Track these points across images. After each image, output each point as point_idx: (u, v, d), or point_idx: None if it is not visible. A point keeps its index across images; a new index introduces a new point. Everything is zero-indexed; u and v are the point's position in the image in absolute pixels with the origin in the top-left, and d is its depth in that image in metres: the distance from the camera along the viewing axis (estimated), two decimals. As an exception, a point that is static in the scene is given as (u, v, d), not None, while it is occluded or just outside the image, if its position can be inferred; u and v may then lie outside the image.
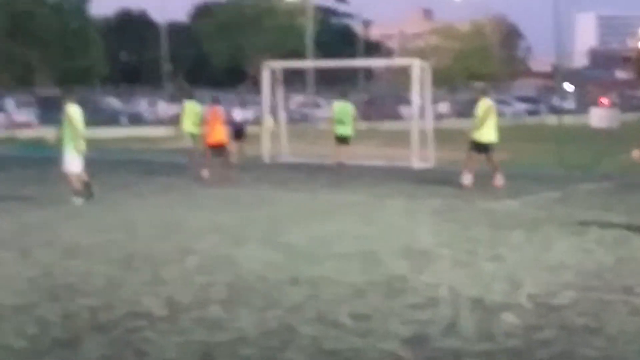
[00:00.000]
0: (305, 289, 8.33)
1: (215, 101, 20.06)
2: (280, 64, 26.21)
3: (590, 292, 8.16)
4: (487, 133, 17.24)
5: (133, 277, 8.89)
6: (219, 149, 18.62)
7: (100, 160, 24.06)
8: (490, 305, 7.67)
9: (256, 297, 7.99)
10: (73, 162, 15.07)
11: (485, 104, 17.41)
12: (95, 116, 49.17)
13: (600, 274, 8.96)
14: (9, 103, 48.43)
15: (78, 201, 14.70)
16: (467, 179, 17.01)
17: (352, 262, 9.57)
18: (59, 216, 13.23)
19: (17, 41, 58.06)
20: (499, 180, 16.99)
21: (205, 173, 18.23)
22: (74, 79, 59.41)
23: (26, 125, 41.38)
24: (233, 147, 25.10)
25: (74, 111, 15.36)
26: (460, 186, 16.84)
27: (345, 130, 21.03)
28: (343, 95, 22.17)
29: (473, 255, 10.01)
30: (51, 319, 7.29)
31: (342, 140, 21.00)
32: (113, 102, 57.06)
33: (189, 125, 20.72)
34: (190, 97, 22.25)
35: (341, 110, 21.33)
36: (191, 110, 21.02)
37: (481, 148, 17.16)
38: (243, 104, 25.74)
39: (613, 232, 11.53)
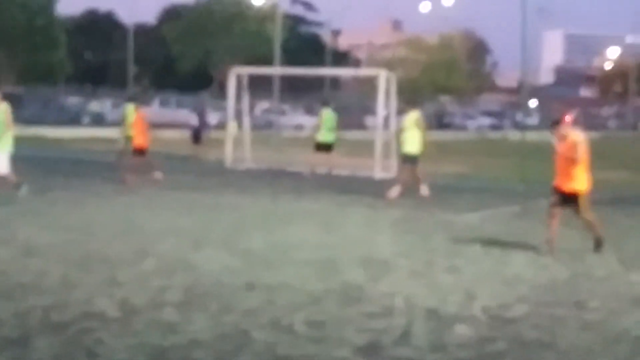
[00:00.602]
0: (261, 294, 8.32)
1: (139, 104, 20.30)
2: (246, 70, 26.19)
3: (543, 307, 8.24)
4: (412, 145, 17.37)
5: (88, 277, 8.82)
6: (140, 152, 18.55)
7: (60, 159, 23.93)
8: (445, 316, 7.72)
9: (212, 301, 7.97)
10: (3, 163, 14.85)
11: (412, 116, 17.59)
12: (58, 115, 49.09)
13: (555, 289, 9.07)
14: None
15: (23, 191, 14.50)
16: (424, 189, 17.23)
17: (310, 269, 9.58)
18: (17, 214, 13.10)
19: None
20: (425, 190, 17.23)
21: (129, 177, 18.08)
22: (38, 77, 58.92)
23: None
24: (193, 150, 25.09)
25: (4, 109, 15.06)
26: (419, 197, 16.94)
27: (332, 137, 21.49)
28: (326, 104, 22.22)
29: (430, 266, 10.07)
30: (2, 316, 7.21)
31: (327, 147, 21.23)
32: (75, 101, 56.67)
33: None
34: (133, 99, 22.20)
35: (330, 118, 21.53)
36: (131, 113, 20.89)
37: (406, 160, 17.31)
38: (201, 109, 25.92)
39: (569, 248, 11.65)
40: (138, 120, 19.01)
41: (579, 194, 11.21)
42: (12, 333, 6.79)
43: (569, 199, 11.27)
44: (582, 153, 11.13)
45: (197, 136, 26.78)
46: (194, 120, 27.54)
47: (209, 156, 25.36)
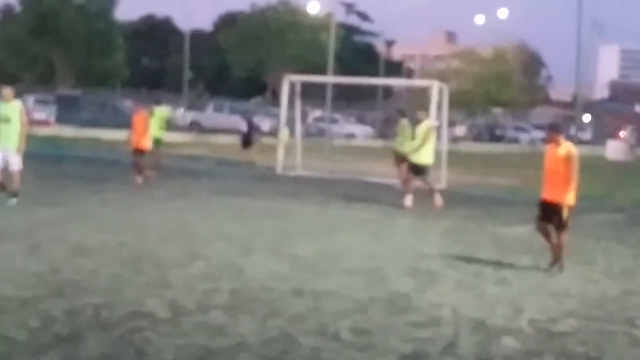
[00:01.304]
0: (308, 300, 8.37)
1: (140, 106, 20.51)
2: (300, 78, 26.31)
3: (592, 322, 8.16)
4: (425, 155, 17.17)
5: (139, 278, 8.95)
6: (140, 153, 18.69)
7: (115, 162, 24.25)
8: (492, 328, 7.69)
9: (259, 306, 8.04)
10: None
11: (425, 126, 17.35)
12: (115, 119, 49.78)
13: (604, 305, 8.97)
14: (29, 101, 48.89)
15: (13, 201, 14.15)
16: (408, 200, 16.96)
17: (357, 277, 9.61)
18: (71, 214, 13.32)
19: (42, 40, 58.51)
20: (438, 200, 17.04)
21: (139, 178, 18.22)
22: (95, 81, 59.85)
23: (44, 123, 41.70)
24: (242, 156, 25.30)
25: (19, 108, 14.58)
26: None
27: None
28: (403, 114, 21.87)
29: (478, 277, 10.03)
30: (54, 314, 7.36)
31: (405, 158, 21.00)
32: (131, 105, 57.44)
33: (155, 129, 20.87)
34: (159, 103, 22.94)
35: (407, 129, 21.29)
36: (159, 115, 21.62)
37: (417, 170, 17.13)
38: (249, 116, 26.17)
39: (620, 264, 11.54)
40: (138, 121, 18.92)
41: (562, 206, 10.65)
42: (63, 330, 6.93)
43: (551, 211, 10.73)
44: (575, 167, 10.69)
45: (246, 141, 27.01)
46: (243, 126, 27.85)
47: (256, 162, 25.52)
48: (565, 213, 10.67)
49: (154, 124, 20.79)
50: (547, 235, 10.88)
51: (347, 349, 6.86)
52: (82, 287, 8.43)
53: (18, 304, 7.63)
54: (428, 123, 17.56)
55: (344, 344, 7.00)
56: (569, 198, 10.72)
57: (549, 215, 10.78)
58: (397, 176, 20.15)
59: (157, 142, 20.88)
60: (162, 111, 22.13)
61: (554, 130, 11.17)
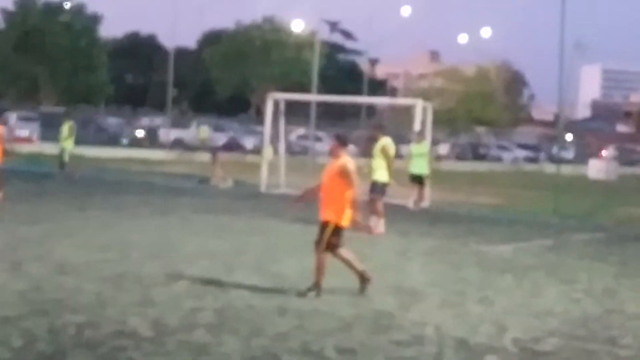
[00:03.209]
0: (292, 319, 8.37)
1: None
2: (284, 96, 26.35)
3: (574, 341, 8.20)
4: (379, 173, 16.41)
5: (122, 296, 8.93)
6: None
7: (98, 179, 24.19)
8: (475, 347, 7.71)
9: (243, 324, 8.03)
10: None
11: (382, 143, 16.42)
12: (98, 136, 49.68)
13: (586, 323, 9.01)
14: (12, 117, 48.72)
15: None
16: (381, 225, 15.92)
17: (341, 296, 9.61)
18: (54, 232, 13.27)
19: (26, 57, 58.35)
20: (380, 227, 15.88)
21: None
22: (79, 98, 59.69)
23: (27, 140, 41.56)
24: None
25: None
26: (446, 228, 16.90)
27: (422, 169, 21.00)
28: (421, 135, 21.90)
29: (461, 296, 10.06)
30: (37, 332, 7.33)
31: (419, 179, 20.95)
32: (114, 122, 57.35)
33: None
34: (68, 116, 26.30)
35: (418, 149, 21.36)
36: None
37: (374, 188, 16.31)
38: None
39: (602, 283, 11.59)
40: None
41: (328, 223, 9.52)
42: (47, 349, 6.90)
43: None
44: (350, 184, 9.57)
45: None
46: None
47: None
48: (328, 232, 9.50)
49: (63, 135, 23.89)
50: (342, 259, 9.81)
51: (331, 368, 6.86)
52: (65, 305, 8.40)
53: (0, 322, 7.58)
54: (384, 140, 16.48)
55: (327, 362, 7.00)
56: (340, 217, 9.56)
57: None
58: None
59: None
60: (68, 124, 24.99)
61: (336, 141, 9.98)
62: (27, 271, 9.94)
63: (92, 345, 7.04)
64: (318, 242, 9.59)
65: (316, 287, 9.52)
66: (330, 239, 9.54)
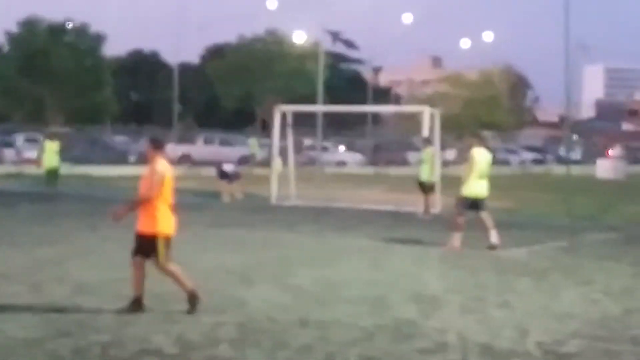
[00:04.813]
0: (314, 331, 8.38)
1: None
2: (291, 108, 26.41)
3: (597, 342, 8.20)
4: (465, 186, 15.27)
5: (143, 314, 8.94)
6: None
7: (108, 198, 24.22)
8: (499, 352, 7.72)
9: (265, 338, 8.06)
10: None
11: (472, 153, 15.30)
12: (105, 155, 49.84)
13: (607, 324, 9.01)
14: (19, 139, 48.90)
15: None
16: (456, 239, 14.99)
17: (361, 305, 9.63)
18: (70, 253, 13.31)
19: (31, 78, 58.59)
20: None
21: None
22: (85, 117, 59.89)
23: (34, 161, 41.63)
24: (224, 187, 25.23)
25: None
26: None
27: (424, 176, 21.04)
28: (429, 142, 21.91)
29: (481, 301, 10.07)
30: (62, 354, 7.36)
31: (431, 187, 21.03)
32: (121, 140, 57.50)
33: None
34: (52, 137, 26.52)
35: (432, 156, 21.39)
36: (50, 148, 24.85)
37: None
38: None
39: (620, 283, 11.59)
40: None
41: (156, 236, 8.95)
42: (73, 369, 6.93)
43: (143, 244, 9.05)
44: (158, 186, 8.90)
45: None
46: (228, 167, 27.69)
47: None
48: (160, 245, 8.98)
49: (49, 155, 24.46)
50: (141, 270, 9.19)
51: (357, 378, 6.87)
52: (87, 325, 8.43)
53: (25, 345, 7.63)
54: (474, 152, 15.17)
55: (353, 373, 7.02)
56: (161, 225, 8.99)
57: (146, 249, 9.08)
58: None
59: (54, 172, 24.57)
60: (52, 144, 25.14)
61: (150, 145, 9.23)
62: (47, 292, 9.99)
63: (118, 364, 7.08)
64: (158, 261, 8.99)
65: (192, 297, 9.02)
66: (167, 250, 9.03)
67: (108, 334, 8.06)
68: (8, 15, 79.44)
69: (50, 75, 58.28)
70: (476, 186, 14.97)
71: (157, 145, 9.23)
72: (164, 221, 9.00)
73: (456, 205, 15.32)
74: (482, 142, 15.61)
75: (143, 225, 9.04)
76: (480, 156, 15.06)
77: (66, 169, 28.22)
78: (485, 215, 15.04)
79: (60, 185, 25.50)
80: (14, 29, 62.31)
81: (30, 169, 36.52)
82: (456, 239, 14.72)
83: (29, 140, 48.23)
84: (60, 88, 58.90)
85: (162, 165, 9.04)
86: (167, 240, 9.06)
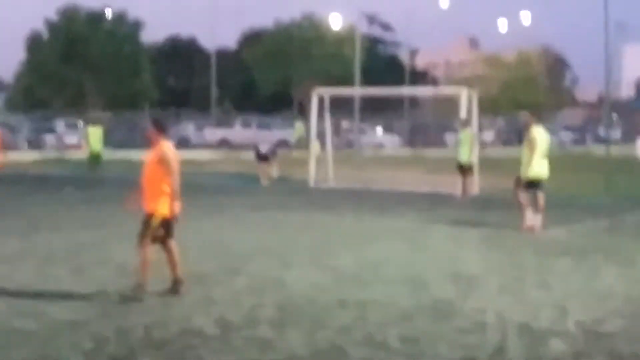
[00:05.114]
0: (353, 311, 8.44)
1: None
2: (328, 91, 26.42)
3: (638, 321, 8.17)
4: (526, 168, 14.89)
5: (184, 296, 9.06)
6: None
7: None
8: (538, 332, 7.72)
9: (305, 318, 8.13)
10: None
11: (532, 132, 14.94)
12: (144, 140, 50.29)
13: (648, 303, 8.96)
14: (60, 125, 49.46)
15: None
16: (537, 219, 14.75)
17: (400, 286, 9.67)
18: (111, 236, 13.47)
19: (71, 65, 59.28)
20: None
21: None
22: (124, 103, 60.43)
23: (75, 146, 42.11)
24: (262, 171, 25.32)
25: None
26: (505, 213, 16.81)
27: (463, 157, 21.22)
28: (466, 124, 21.97)
29: (520, 281, 10.05)
30: (106, 335, 7.49)
31: (460, 167, 21.18)
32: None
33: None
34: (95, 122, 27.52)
35: (468, 138, 21.49)
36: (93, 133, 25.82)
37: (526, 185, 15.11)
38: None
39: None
40: None
41: (153, 215, 9.02)
42: (117, 350, 7.06)
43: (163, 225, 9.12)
44: (168, 171, 8.99)
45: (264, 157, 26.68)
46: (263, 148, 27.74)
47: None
48: (154, 224, 9.03)
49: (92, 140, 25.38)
50: (169, 252, 9.29)
51: (397, 358, 6.93)
52: (130, 307, 8.56)
53: (70, 326, 7.77)
54: (534, 131, 14.86)
55: (393, 352, 7.07)
56: (164, 207, 9.03)
57: (166, 230, 9.22)
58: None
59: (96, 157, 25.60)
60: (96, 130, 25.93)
61: (153, 127, 9.25)
62: (90, 275, 10.15)
63: (161, 345, 7.19)
64: (142, 235, 9.03)
65: (139, 288, 8.89)
66: (156, 231, 9.07)
67: (151, 315, 8.19)
68: (48, 4, 80.00)
69: (90, 62, 58.93)
70: (538, 167, 14.70)
71: (160, 127, 9.26)
72: (166, 203, 9.03)
73: (517, 187, 14.93)
74: (539, 121, 15.23)
75: (150, 205, 9.13)
76: (541, 135, 14.83)
77: (107, 154, 28.51)
78: (540, 196, 14.77)
79: (102, 170, 25.82)
80: (53, 17, 63.15)
81: (72, 154, 37.05)
82: (532, 219, 14.42)
83: (70, 126, 48.77)
84: (100, 75, 59.54)
85: (168, 150, 9.11)
86: (166, 221, 9.09)
